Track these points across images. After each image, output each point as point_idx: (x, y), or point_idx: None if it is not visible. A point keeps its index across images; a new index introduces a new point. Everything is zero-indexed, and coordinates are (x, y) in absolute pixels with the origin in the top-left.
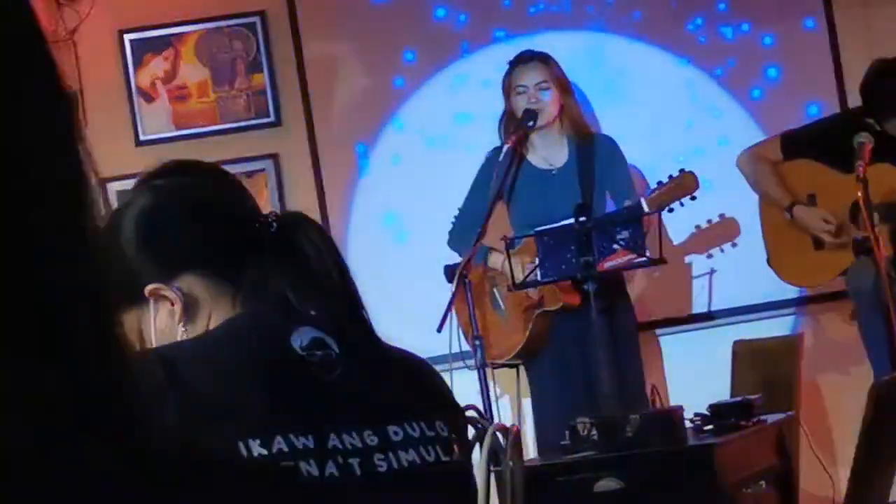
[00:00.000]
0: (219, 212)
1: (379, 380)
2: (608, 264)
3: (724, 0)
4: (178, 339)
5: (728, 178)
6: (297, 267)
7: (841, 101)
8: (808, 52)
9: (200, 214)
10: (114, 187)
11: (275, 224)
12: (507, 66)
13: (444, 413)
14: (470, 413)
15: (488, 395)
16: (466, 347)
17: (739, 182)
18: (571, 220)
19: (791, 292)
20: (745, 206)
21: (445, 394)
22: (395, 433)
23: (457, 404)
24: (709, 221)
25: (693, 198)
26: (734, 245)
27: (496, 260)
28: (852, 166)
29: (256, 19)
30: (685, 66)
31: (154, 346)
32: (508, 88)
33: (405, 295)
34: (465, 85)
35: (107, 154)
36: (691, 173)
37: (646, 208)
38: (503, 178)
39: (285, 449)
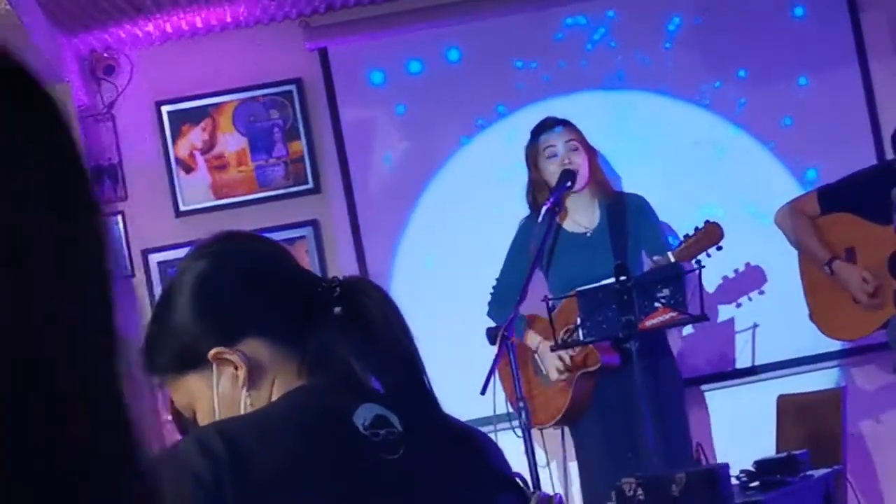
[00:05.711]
0: (279, 276)
1: (441, 459)
2: (650, 322)
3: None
4: (241, 404)
5: (754, 228)
6: (363, 334)
7: (878, 153)
8: (844, 102)
9: (259, 279)
10: (155, 258)
11: (338, 289)
12: (528, 136)
13: (504, 492)
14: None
15: (534, 459)
16: (510, 409)
17: (769, 231)
18: (612, 280)
19: (834, 345)
20: (773, 253)
21: (506, 472)
22: None
23: (517, 482)
24: (735, 271)
25: (719, 248)
26: (762, 293)
27: (533, 340)
28: (890, 218)
29: (293, 87)
30: (705, 114)
31: (216, 411)
32: (535, 155)
33: (447, 357)
34: (501, 149)
35: (148, 226)
36: (716, 224)
37: (672, 261)
38: (542, 241)
39: None
